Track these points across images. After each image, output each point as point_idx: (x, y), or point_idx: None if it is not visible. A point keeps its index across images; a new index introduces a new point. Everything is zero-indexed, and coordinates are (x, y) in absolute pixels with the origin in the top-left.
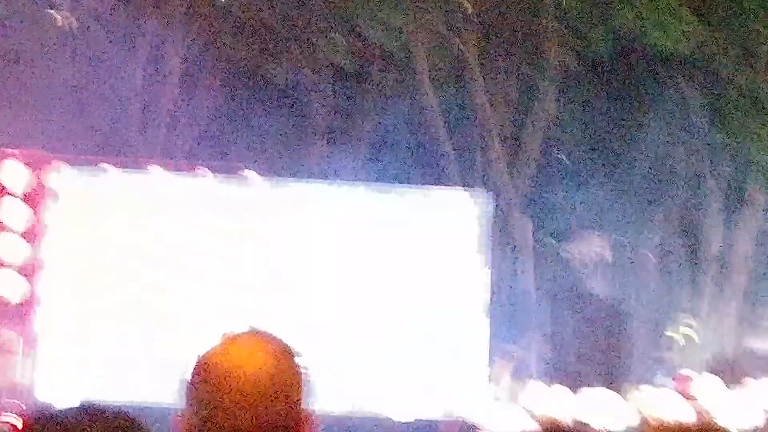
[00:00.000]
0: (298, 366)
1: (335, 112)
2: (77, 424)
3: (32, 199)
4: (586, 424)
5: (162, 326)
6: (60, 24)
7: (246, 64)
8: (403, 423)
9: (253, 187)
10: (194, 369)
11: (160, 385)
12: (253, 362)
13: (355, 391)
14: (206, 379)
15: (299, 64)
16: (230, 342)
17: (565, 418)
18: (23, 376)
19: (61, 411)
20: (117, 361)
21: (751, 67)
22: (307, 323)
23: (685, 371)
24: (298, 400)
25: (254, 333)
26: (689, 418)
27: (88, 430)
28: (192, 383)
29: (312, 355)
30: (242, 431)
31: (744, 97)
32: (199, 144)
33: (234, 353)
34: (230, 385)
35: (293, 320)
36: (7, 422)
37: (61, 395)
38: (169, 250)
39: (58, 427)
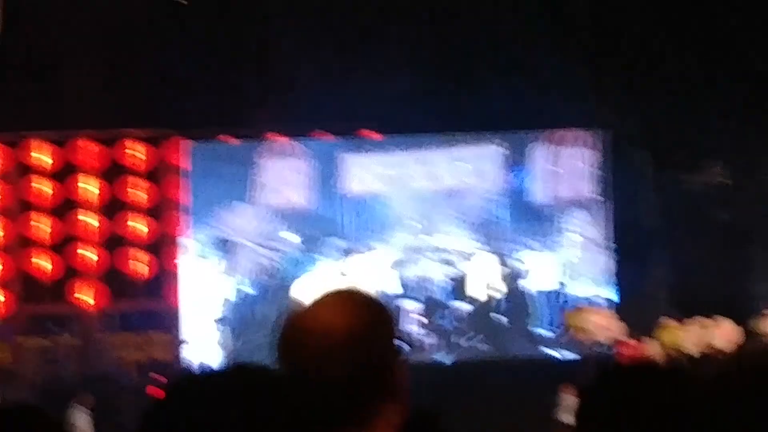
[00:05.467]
0: (387, 315)
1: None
2: (221, 384)
3: (155, 176)
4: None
5: None
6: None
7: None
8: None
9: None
10: (282, 329)
11: None
12: (339, 313)
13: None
14: (293, 335)
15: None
16: (319, 300)
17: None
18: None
19: (204, 373)
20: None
21: None
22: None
23: None
24: (387, 347)
25: (340, 290)
26: None
27: (229, 391)
28: (280, 342)
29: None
30: (331, 380)
31: None
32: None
33: (319, 308)
34: (316, 336)
35: None
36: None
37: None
38: None
39: (201, 391)
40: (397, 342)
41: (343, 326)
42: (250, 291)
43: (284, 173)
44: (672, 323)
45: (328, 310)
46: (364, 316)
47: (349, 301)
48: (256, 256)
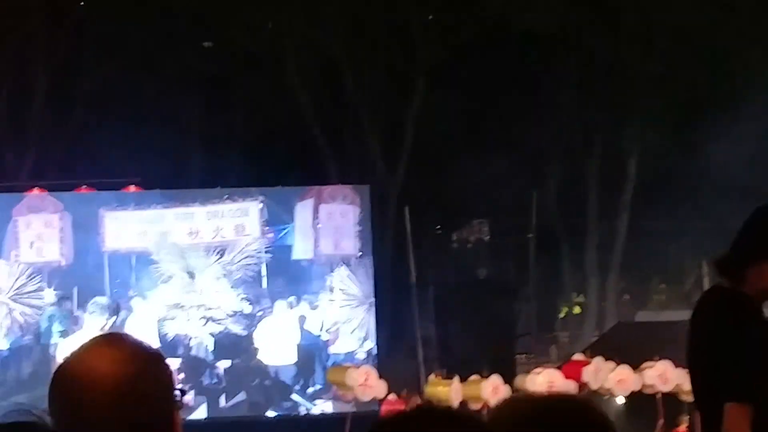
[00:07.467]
0: (160, 366)
1: (209, 119)
2: None
3: None
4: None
5: None
6: None
7: (114, 79)
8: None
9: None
10: (53, 380)
11: None
12: (109, 363)
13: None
14: (63, 388)
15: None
16: (85, 347)
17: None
18: None
19: None
20: None
21: (616, 38)
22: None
23: (575, 356)
24: (161, 400)
25: (110, 336)
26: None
27: None
28: (51, 394)
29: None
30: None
31: (611, 69)
32: (76, 161)
33: (88, 357)
34: (87, 390)
35: None
36: None
37: None
38: None
39: None
40: (173, 390)
41: (113, 374)
42: (4, 347)
43: (41, 228)
44: (436, 379)
45: (98, 358)
46: (135, 363)
47: (120, 347)
48: (10, 313)
